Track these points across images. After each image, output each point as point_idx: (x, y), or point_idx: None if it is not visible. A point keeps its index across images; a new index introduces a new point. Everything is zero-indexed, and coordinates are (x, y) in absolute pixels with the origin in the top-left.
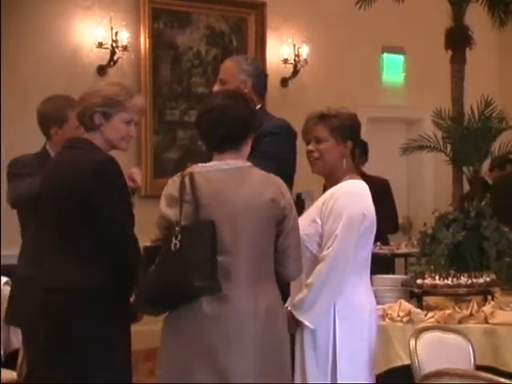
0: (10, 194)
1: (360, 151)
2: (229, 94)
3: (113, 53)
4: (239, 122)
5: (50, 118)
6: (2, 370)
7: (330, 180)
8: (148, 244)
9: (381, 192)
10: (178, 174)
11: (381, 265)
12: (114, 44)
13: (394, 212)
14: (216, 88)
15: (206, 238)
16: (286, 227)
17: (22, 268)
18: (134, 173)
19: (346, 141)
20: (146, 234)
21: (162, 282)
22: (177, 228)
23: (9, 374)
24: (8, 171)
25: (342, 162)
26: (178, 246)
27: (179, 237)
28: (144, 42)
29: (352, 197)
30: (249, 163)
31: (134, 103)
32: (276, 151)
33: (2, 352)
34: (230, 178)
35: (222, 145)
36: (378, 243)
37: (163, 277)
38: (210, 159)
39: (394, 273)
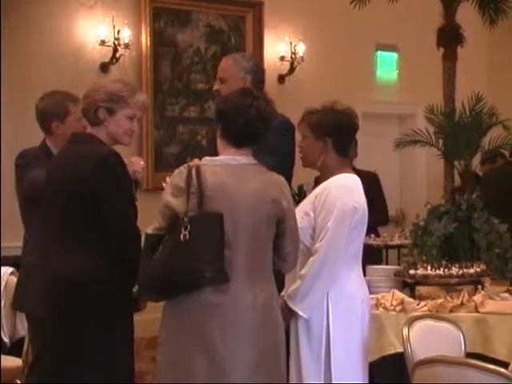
0: (24, 183)
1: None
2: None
3: (115, 50)
4: (267, 122)
5: (51, 113)
6: (8, 357)
7: (323, 174)
8: (150, 232)
9: (370, 186)
10: (185, 165)
11: (374, 256)
12: (116, 42)
13: (384, 205)
14: (216, 87)
15: (215, 229)
16: (287, 227)
17: (28, 255)
18: (135, 162)
19: (324, 137)
20: (147, 226)
21: (171, 270)
22: (186, 219)
23: (15, 362)
24: (17, 163)
25: (320, 157)
26: (188, 236)
27: (188, 227)
28: (145, 39)
29: (344, 190)
30: (255, 161)
31: (136, 99)
32: (278, 146)
33: (7, 340)
34: (236, 173)
35: (241, 141)
36: (372, 235)
37: (172, 265)
38: (211, 154)
39: (387, 263)
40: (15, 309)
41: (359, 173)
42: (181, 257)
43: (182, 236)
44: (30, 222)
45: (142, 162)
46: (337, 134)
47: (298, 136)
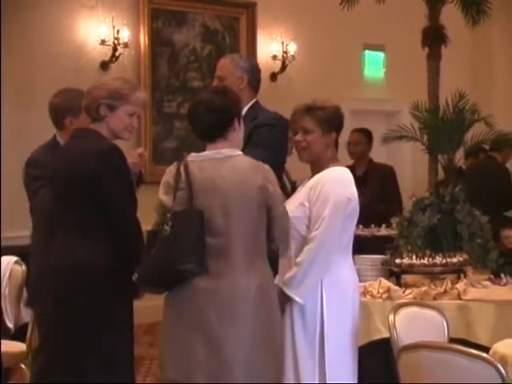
0: (34, 205)
1: (367, 139)
2: (211, 90)
3: (115, 49)
4: (220, 111)
5: (65, 108)
6: (12, 342)
7: (315, 167)
8: (150, 228)
9: (387, 178)
10: (175, 163)
11: (362, 245)
12: (115, 41)
13: (398, 196)
14: (215, 85)
15: (192, 224)
16: (276, 211)
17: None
18: (131, 154)
19: (331, 132)
20: (146, 218)
21: (158, 264)
22: (168, 215)
23: (19, 346)
24: (28, 172)
25: (327, 151)
26: (169, 231)
27: (170, 223)
28: (143, 39)
29: (338, 182)
30: (239, 152)
31: (137, 97)
32: (271, 141)
33: (12, 325)
34: (221, 165)
35: (210, 134)
36: (360, 226)
37: (159, 259)
38: (204, 149)
39: (374, 253)
40: (28, 306)
41: (376, 165)
42: (164, 251)
43: (164, 230)
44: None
45: (139, 150)
46: (340, 129)
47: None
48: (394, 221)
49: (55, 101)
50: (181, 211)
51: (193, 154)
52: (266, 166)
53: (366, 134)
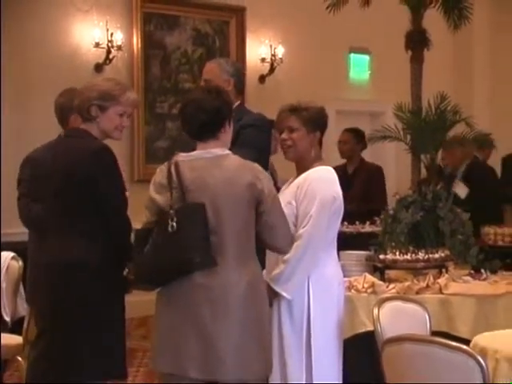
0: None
1: (357, 139)
2: (203, 89)
3: (108, 52)
4: (214, 111)
5: (70, 107)
6: (9, 335)
7: (301, 166)
8: (140, 227)
9: (372, 176)
10: (166, 163)
11: (348, 242)
12: (109, 44)
13: (382, 195)
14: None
15: (199, 218)
16: (267, 206)
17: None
18: None
19: (315, 131)
20: (138, 215)
21: (162, 260)
22: (171, 211)
23: (16, 339)
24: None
25: (312, 149)
26: (175, 227)
27: (175, 219)
28: (136, 42)
29: (324, 182)
30: (228, 151)
31: (127, 97)
32: (256, 141)
33: (9, 319)
34: (211, 164)
35: (201, 133)
36: (345, 222)
37: (163, 256)
38: (194, 149)
39: (359, 249)
40: (29, 304)
41: (366, 164)
42: (170, 247)
43: (169, 227)
44: None
45: None
46: (324, 129)
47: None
48: (379, 219)
49: (60, 100)
50: (184, 207)
51: (183, 153)
52: (255, 165)
53: (356, 134)
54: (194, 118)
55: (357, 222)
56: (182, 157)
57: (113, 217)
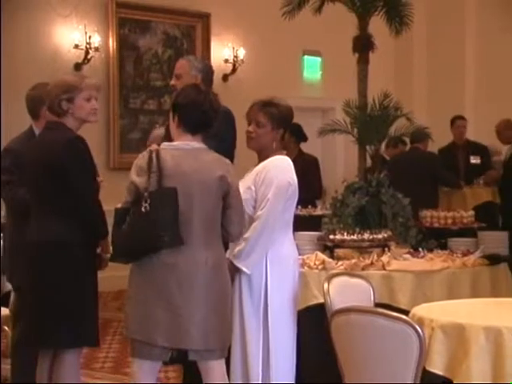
0: (14, 201)
1: (296, 133)
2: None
3: (87, 53)
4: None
5: (40, 100)
6: None
7: (262, 156)
8: (119, 206)
9: (310, 167)
10: (148, 150)
11: (301, 224)
12: (87, 46)
13: (318, 183)
14: (173, 82)
15: (171, 201)
16: (231, 200)
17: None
18: None
19: (280, 128)
20: (114, 200)
21: (135, 237)
22: (145, 193)
23: (3, 311)
24: (2, 162)
25: (273, 143)
26: (148, 208)
27: (148, 201)
28: (112, 44)
29: (280, 169)
30: (205, 145)
31: (86, 83)
32: (224, 133)
33: None
34: (189, 155)
35: (197, 129)
36: (299, 206)
37: (136, 233)
38: (169, 140)
39: (311, 230)
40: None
41: (304, 155)
42: (143, 225)
43: (143, 208)
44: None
45: (99, 179)
46: (288, 125)
47: (245, 122)
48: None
49: (31, 93)
50: (158, 190)
51: (165, 143)
52: (228, 161)
53: (297, 129)
54: (195, 116)
55: (309, 206)
56: (164, 145)
57: (82, 198)
